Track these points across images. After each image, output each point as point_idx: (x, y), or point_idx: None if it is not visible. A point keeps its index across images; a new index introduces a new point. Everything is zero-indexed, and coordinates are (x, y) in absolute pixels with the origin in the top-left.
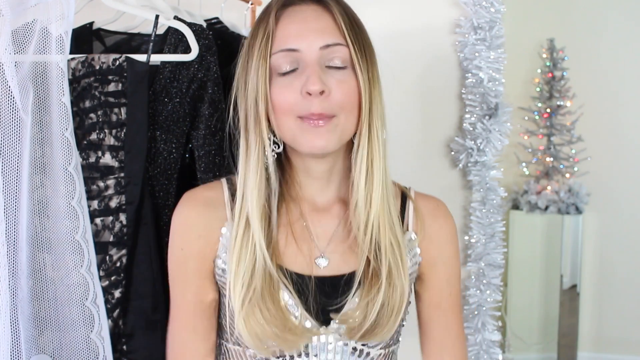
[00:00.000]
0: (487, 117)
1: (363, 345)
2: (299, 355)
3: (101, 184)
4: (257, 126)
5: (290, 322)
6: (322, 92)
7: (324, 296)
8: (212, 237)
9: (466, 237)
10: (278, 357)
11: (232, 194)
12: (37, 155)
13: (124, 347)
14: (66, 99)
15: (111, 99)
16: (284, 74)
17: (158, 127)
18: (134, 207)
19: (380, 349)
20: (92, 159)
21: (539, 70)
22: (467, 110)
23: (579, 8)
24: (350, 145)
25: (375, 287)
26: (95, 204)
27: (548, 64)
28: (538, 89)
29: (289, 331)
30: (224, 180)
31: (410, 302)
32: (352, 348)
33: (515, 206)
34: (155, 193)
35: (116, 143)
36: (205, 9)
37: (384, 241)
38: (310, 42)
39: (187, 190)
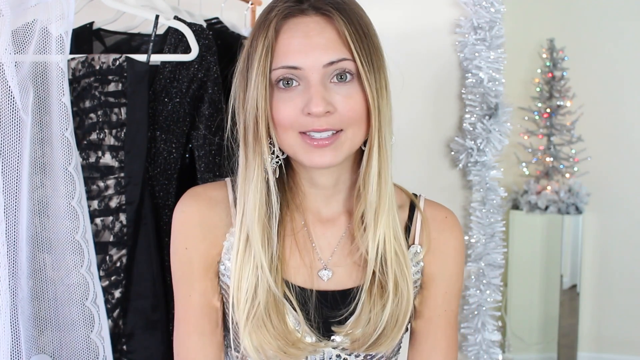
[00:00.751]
0: (487, 117)
1: (366, 357)
2: None
3: (101, 184)
4: (258, 144)
5: (294, 337)
6: (326, 112)
7: (327, 309)
8: (217, 239)
9: (466, 237)
10: None
11: (236, 198)
12: (37, 155)
13: (124, 347)
14: (66, 99)
15: (111, 99)
16: (285, 88)
17: (158, 127)
18: (134, 207)
19: None
20: (92, 159)
21: (539, 70)
22: (467, 110)
23: (579, 8)
24: (357, 155)
25: (381, 299)
26: (95, 204)
27: (548, 64)
28: (538, 89)
29: (293, 345)
30: (228, 181)
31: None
32: None
33: (515, 206)
34: (155, 193)
35: (116, 143)
36: (205, 9)
37: (390, 252)
38: (313, 59)
39: (187, 190)
